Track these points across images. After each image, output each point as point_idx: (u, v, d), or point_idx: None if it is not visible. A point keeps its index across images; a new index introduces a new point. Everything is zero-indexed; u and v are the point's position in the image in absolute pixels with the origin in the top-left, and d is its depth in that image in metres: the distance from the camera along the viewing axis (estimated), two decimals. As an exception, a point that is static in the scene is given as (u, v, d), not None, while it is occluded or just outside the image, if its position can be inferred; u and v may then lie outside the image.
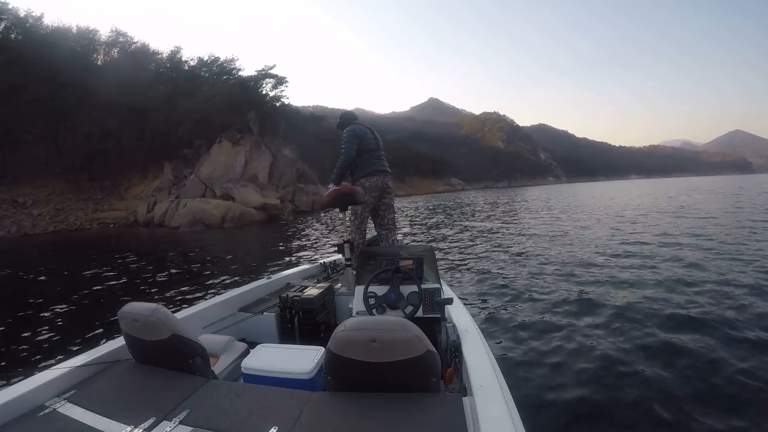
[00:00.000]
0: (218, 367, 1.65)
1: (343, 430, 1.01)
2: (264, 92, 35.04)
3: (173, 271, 7.90)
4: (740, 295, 4.20)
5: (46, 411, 1.19)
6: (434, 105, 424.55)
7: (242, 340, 2.07)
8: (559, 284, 5.10)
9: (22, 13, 31.88)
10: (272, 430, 1.02)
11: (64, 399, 1.24)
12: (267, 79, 35.12)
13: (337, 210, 2.88)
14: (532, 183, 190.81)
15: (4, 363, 3.55)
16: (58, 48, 31.23)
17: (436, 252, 2.34)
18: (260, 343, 1.62)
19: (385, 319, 1.22)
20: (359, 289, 2.13)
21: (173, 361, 1.38)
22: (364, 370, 1.13)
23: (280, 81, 35.27)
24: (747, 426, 2.12)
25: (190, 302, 4.83)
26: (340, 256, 3.05)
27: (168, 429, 1.06)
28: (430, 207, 27.82)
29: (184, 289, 6.15)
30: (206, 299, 2.42)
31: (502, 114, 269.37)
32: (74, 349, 3.73)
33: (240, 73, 35.77)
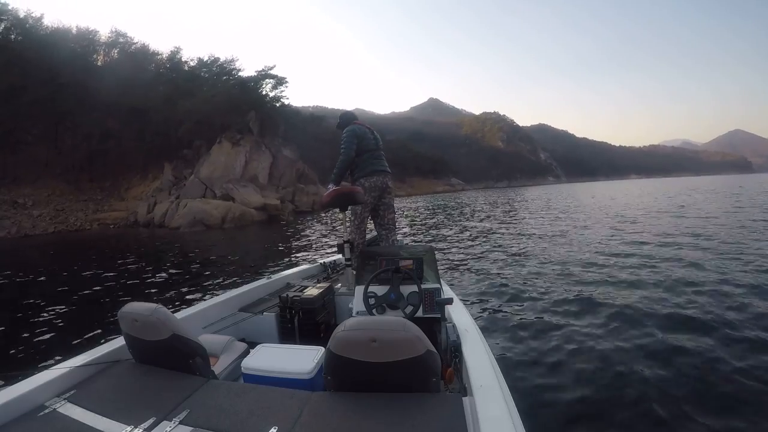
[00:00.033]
0: (218, 367, 1.65)
1: (343, 430, 1.01)
2: (264, 92, 35.08)
3: (173, 271, 7.90)
4: (739, 295, 4.19)
5: (46, 411, 1.19)
6: (434, 105, 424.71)
7: (242, 340, 2.07)
8: (558, 284, 5.10)
9: (21, 14, 31.97)
10: (272, 430, 1.02)
11: (64, 399, 1.24)
12: (267, 80, 35.17)
13: (337, 210, 2.88)
14: (532, 183, 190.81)
15: (4, 363, 3.55)
16: (57, 49, 31.25)
17: (436, 252, 2.34)
18: (260, 343, 1.62)
19: (385, 319, 1.22)
20: (359, 289, 2.12)
21: (173, 361, 1.38)
22: (364, 370, 1.12)
23: (280, 81, 35.32)
24: (746, 426, 2.12)
25: (190, 302, 4.83)
26: (340, 256, 3.05)
27: (168, 429, 1.06)
28: (430, 207, 27.83)
29: (184, 289, 6.15)
30: (206, 299, 2.42)
31: (502, 114, 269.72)
32: (74, 349, 3.72)
33: (240, 73, 35.86)
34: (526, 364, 2.90)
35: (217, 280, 6.66)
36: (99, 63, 36.59)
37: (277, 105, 35.74)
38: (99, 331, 4.22)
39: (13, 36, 30.72)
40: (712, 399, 2.36)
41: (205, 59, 37.74)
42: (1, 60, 27.16)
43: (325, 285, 2.53)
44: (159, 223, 21.18)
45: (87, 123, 30.68)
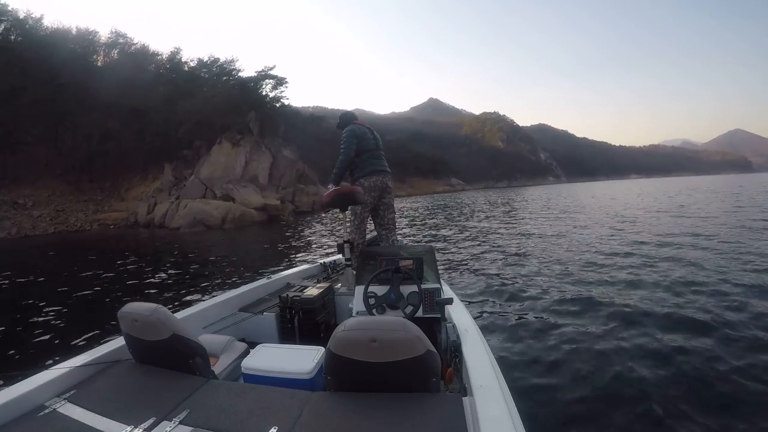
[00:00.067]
0: (218, 367, 1.65)
1: (343, 430, 1.01)
2: (264, 93, 35.11)
3: (173, 271, 7.90)
4: (739, 294, 4.19)
5: (46, 411, 1.19)
6: (434, 105, 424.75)
7: (242, 340, 2.07)
8: (559, 284, 5.10)
9: (21, 15, 31.97)
10: (272, 430, 1.02)
11: (64, 399, 1.24)
12: (267, 80, 35.21)
13: (338, 210, 2.88)
14: (532, 183, 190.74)
15: (4, 363, 3.55)
16: (57, 49, 31.28)
17: (436, 252, 2.34)
18: (260, 343, 1.62)
19: (385, 319, 1.22)
20: (359, 289, 2.12)
21: (173, 361, 1.38)
22: (364, 370, 1.12)
23: (279, 82, 35.35)
24: (746, 427, 2.12)
25: (190, 302, 4.83)
26: (340, 256, 3.05)
27: (168, 429, 1.06)
28: (430, 207, 27.83)
29: (184, 289, 6.15)
30: (206, 299, 2.42)
31: (502, 114, 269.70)
32: (74, 349, 3.73)
33: (240, 73, 35.87)
34: (526, 364, 2.90)
35: (217, 281, 6.66)
36: (99, 63, 36.62)
37: (277, 105, 35.77)
38: (99, 331, 4.22)
39: (13, 37, 30.75)
40: (711, 399, 2.36)
41: (205, 60, 37.82)
42: (1, 60, 27.18)
43: (325, 285, 2.52)
44: (159, 223, 21.18)
45: (87, 123, 30.70)
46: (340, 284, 2.87)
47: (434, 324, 1.90)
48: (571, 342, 3.22)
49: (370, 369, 1.12)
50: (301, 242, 11.95)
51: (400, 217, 18.30)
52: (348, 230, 3.01)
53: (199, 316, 2.16)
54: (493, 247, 8.55)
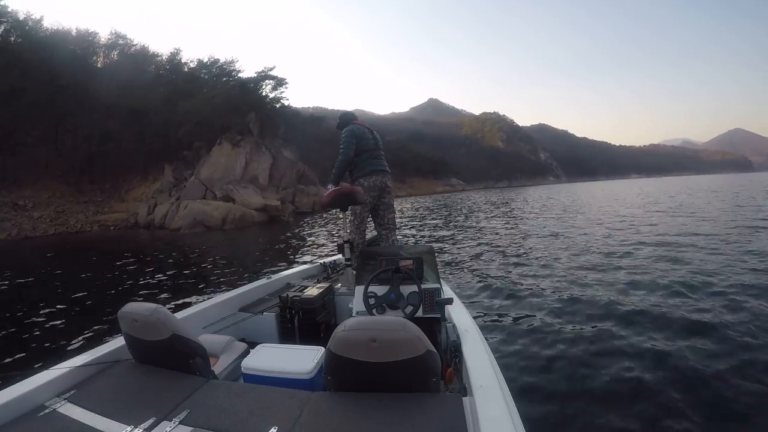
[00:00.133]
0: (218, 367, 1.65)
1: (343, 430, 1.01)
2: (264, 94, 35.08)
3: (173, 272, 7.90)
4: (739, 295, 4.19)
5: (46, 411, 1.19)
6: (434, 105, 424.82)
7: (242, 340, 2.07)
8: (559, 284, 5.10)
9: (21, 16, 31.98)
10: (272, 430, 1.02)
11: (64, 399, 1.24)
12: (267, 81, 35.18)
13: (338, 210, 2.88)
14: (533, 183, 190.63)
15: (4, 363, 3.55)
16: (57, 50, 31.28)
17: (436, 252, 2.34)
18: (260, 343, 1.62)
19: (385, 319, 1.22)
20: (359, 289, 2.12)
21: (173, 361, 1.38)
22: (364, 370, 1.12)
23: (279, 82, 35.34)
24: (745, 428, 2.13)
25: (190, 302, 4.83)
26: (340, 256, 3.05)
27: (168, 429, 1.06)
28: (430, 207, 27.83)
29: (184, 290, 6.16)
30: (206, 299, 2.42)
31: (501, 114, 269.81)
32: (74, 349, 3.74)
33: (240, 74, 35.86)
34: (526, 364, 2.89)
35: (217, 281, 6.67)
36: (99, 65, 36.61)
37: (277, 106, 35.75)
38: (99, 331, 4.23)
39: (12, 38, 30.76)
40: (711, 400, 2.35)
41: (205, 60, 37.82)
42: (1, 62, 27.19)
43: (325, 285, 2.52)
44: (159, 224, 21.18)
45: (87, 124, 30.70)
46: (340, 284, 2.87)
47: (434, 324, 1.90)
48: (571, 342, 3.22)
49: (370, 369, 1.12)
50: (301, 242, 11.96)
51: (400, 217, 18.30)
52: (348, 230, 3.01)
53: (199, 316, 2.16)
54: (493, 247, 8.55)
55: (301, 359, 1.45)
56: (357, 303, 2.11)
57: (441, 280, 2.18)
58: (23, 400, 1.22)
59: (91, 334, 4.16)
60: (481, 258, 7.33)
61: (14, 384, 1.28)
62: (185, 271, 7.96)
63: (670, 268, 5.58)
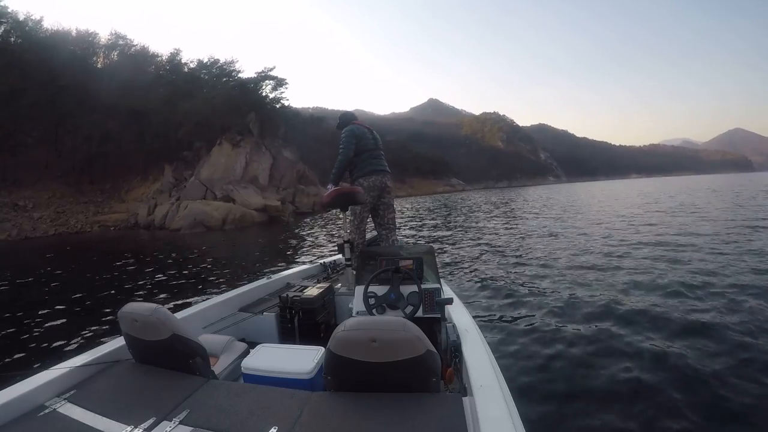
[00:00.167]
0: (218, 367, 1.65)
1: (343, 430, 1.01)
2: (264, 94, 35.12)
3: (173, 272, 7.90)
4: (739, 295, 4.18)
5: (46, 411, 1.19)
6: (434, 105, 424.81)
7: (242, 340, 2.07)
8: (559, 284, 5.10)
9: (21, 17, 32.01)
10: (272, 430, 1.02)
11: (64, 399, 1.24)
12: (267, 81, 35.22)
13: (338, 210, 2.88)
14: (533, 183, 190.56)
15: (4, 363, 3.55)
16: (57, 51, 31.32)
17: (436, 252, 2.34)
18: (260, 343, 1.62)
19: (385, 319, 1.22)
20: (359, 289, 2.12)
21: (173, 361, 1.38)
22: (364, 370, 1.12)
23: (279, 82, 35.38)
24: (745, 428, 2.13)
25: (190, 302, 4.83)
26: (340, 256, 3.04)
27: (168, 429, 1.06)
28: (431, 208, 27.83)
29: (184, 290, 6.16)
30: (206, 299, 2.42)
31: (501, 114, 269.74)
32: (74, 349, 3.74)
33: (240, 74, 35.88)
34: (526, 364, 2.89)
35: (218, 281, 6.67)
36: (99, 65, 36.64)
37: (277, 106, 35.78)
38: (99, 331, 4.23)
39: (12, 38, 30.79)
40: (711, 400, 2.35)
41: (205, 61, 37.84)
42: (1, 62, 27.20)
43: (325, 285, 2.52)
44: (159, 224, 21.17)
45: (87, 125, 30.71)
46: (340, 284, 2.87)
47: (434, 324, 1.90)
48: (570, 342, 3.22)
49: (370, 369, 1.12)
50: (301, 242, 11.96)
51: (400, 217, 18.30)
52: (348, 230, 3.01)
53: (199, 316, 2.16)
54: (493, 247, 8.55)
55: (301, 359, 1.45)
56: (357, 303, 2.11)
57: (441, 280, 2.18)
58: (23, 400, 1.22)
59: (91, 334, 4.16)
60: (481, 258, 7.33)
61: (14, 384, 1.28)
62: (185, 272, 7.96)
63: (670, 268, 5.58)
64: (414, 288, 2.02)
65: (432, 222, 16.50)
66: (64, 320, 4.83)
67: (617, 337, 3.27)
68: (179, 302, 5.28)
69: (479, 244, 9.06)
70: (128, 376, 1.39)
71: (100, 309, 5.28)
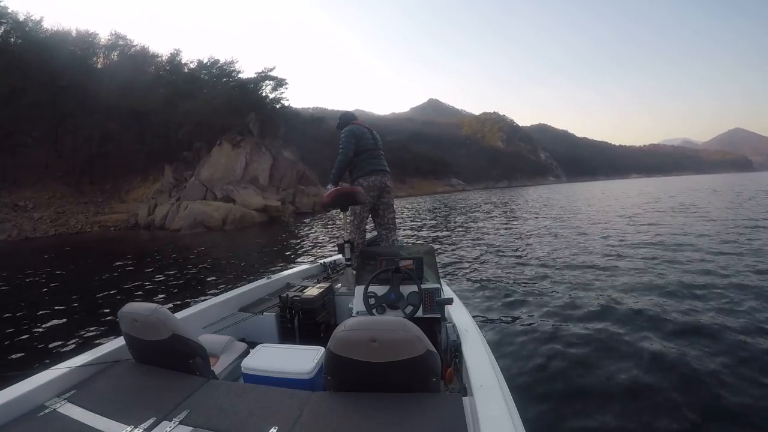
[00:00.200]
0: (218, 367, 1.65)
1: (343, 430, 1.01)
2: (264, 94, 35.16)
3: (174, 272, 7.90)
4: (739, 296, 4.17)
5: (46, 411, 1.19)
6: (434, 106, 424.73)
7: (242, 340, 2.07)
8: (559, 284, 5.10)
9: (21, 17, 32.04)
10: (272, 430, 1.02)
11: (64, 399, 1.24)
12: (267, 81, 35.26)
13: (338, 210, 2.88)
14: (533, 183, 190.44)
15: (4, 363, 3.55)
16: (57, 51, 31.36)
17: (436, 252, 2.34)
18: (260, 343, 1.62)
19: (385, 319, 1.22)
20: (359, 289, 2.12)
21: (173, 361, 1.38)
22: (364, 370, 1.12)
23: (279, 83, 35.42)
24: (744, 429, 2.12)
25: (190, 302, 4.83)
26: (340, 256, 3.04)
27: (168, 429, 1.06)
28: (431, 208, 27.83)
29: (184, 290, 6.16)
30: (206, 299, 2.42)
31: (501, 114, 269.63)
32: (74, 349, 3.74)
33: (240, 75, 35.95)
34: (526, 364, 2.89)
35: (218, 281, 6.67)
36: (99, 65, 36.70)
37: (277, 106, 35.80)
38: (99, 331, 4.23)
39: (12, 39, 30.83)
40: (710, 401, 2.35)
41: (205, 61, 37.89)
42: (1, 63, 27.23)
43: (325, 285, 2.52)
44: (159, 225, 21.18)
45: (87, 125, 30.73)
46: (340, 284, 2.87)
47: (434, 324, 1.90)
48: (570, 342, 3.22)
49: (370, 369, 1.12)
50: (302, 243, 11.96)
51: (400, 218, 18.30)
52: (348, 230, 3.01)
53: (199, 316, 2.16)
54: (493, 247, 8.55)
55: (301, 359, 1.45)
56: (357, 303, 2.11)
57: (441, 280, 2.18)
58: (23, 400, 1.22)
59: (91, 334, 4.17)
60: (481, 258, 7.33)
61: (14, 384, 1.28)
62: (185, 272, 7.96)
63: (669, 268, 5.57)
64: (414, 288, 2.02)
65: (432, 222, 16.50)
66: (64, 320, 4.83)
67: (617, 337, 3.27)
68: (179, 302, 5.28)
69: (479, 244, 9.05)
70: (128, 376, 1.39)
71: (100, 309, 5.29)
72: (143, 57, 38.84)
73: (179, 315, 2.01)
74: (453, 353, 1.52)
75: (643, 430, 2.13)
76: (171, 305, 4.83)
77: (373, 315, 1.98)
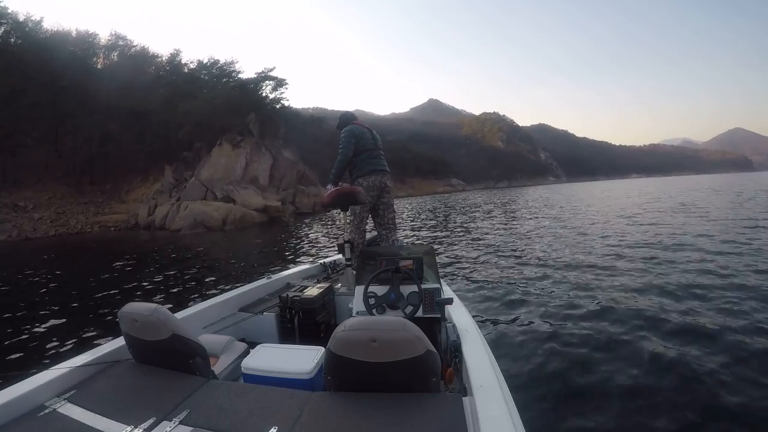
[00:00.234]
0: (218, 367, 1.65)
1: (343, 430, 1.01)
2: (264, 94, 35.18)
3: (174, 272, 7.91)
4: (740, 296, 4.16)
5: (46, 411, 1.19)
6: (434, 106, 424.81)
7: (242, 340, 2.07)
8: (559, 284, 5.09)
9: (21, 17, 32.07)
10: (272, 430, 1.02)
11: (64, 399, 1.24)
12: (267, 81, 35.28)
13: (338, 210, 2.88)
14: (533, 183, 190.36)
15: (4, 363, 3.55)
16: (57, 52, 31.39)
17: (436, 252, 2.34)
18: (260, 343, 1.62)
19: (385, 319, 1.22)
20: (359, 289, 2.12)
21: (173, 361, 1.38)
22: (364, 370, 1.12)
23: (279, 83, 35.44)
24: (744, 429, 2.12)
25: (190, 302, 4.83)
26: (340, 256, 3.04)
27: (168, 429, 1.06)
28: (431, 208, 27.83)
29: (184, 290, 6.16)
30: (206, 299, 2.42)
31: (501, 114, 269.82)
32: (74, 349, 3.73)
33: (240, 75, 35.98)
34: (526, 364, 2.89)
35: (218, 281, 6.67)
36: (99, 66, 36.73)
37: (277, 107, 35.82)
38: (99, 331, 4.23)
39: (12, 39, 30.86)
40: (710, 401, 2.34)
41: (205, 61, 37.90)
42: (1, 63, 27.24)
43: (325, 285, 2.52)
44: (160, 225, 21.19)
45: (87, 126, 30.76)
46: (340, 284, 2.87)
47: (434, 324, 1.90)
48: (570, 342, 3.22)
49: (370, 369, 1.12)
50: (301, 243, 11.96)
51: (400, 218, 18.30)
52: (348, 230, 3.01)
53: (199, 316, 2.16)
54: (493, 247, 8.54)
55: (301, 359, 1.45)
56: (357, 303, 2.11)
57: (441, 280, 2.18)
58: (23, 400, 1.22)
59: (91, 334, 4.16)
60: (481, 258, 7.33)
61: (14, 384, 1.28)
62: (185, 272, 7.96)
63: (670, 268, 5.57)
64: (414, 288, 2.02)
65: (432, 222, 16.50)
66: (64, 320, 4.83)
67: (617, 337, 3.27)
68: (179, 302, 5.28)
69: (479, 244, 9.05)
70: (128, 376, 1.39)
71: (100, 309, 5.29)
72: (143, 57, 38.87)
73: (179, 315, 2.02)
74: (453, 353, 1.52)
75: (642, 430, 2.13)
76: (171, 305, 4.83)
77: (373, 315, 1.97)
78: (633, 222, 11.70)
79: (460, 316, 1.92)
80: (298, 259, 8.66)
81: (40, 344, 4.01)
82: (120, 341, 1.56)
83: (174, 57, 39.11)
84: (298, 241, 12.60)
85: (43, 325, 4.61)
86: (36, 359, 3.60)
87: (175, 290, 6.20)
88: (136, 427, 1.07)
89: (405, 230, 13.34)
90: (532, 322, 3.73)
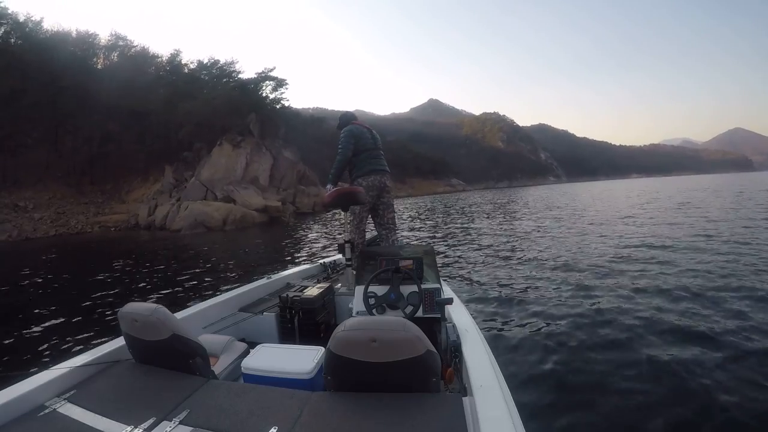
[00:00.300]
0: (218, 367, 1.65)
1: (343, 430, 1.01)
2: (264, 95, 35.18)
3: (174, 272, 7.91)
4: (740, 297, 4.16)
5: (46, 411, 1.19)
6: (434, 106, 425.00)
7: (242, 340, 2.07)
8: (559, 285, 5.09)
9: (21, 18, 32.09)
10: (272, 430, 1.02)
11: (64, 399, 1.24)
12: (267, 82, 35.27)
13: (338, 211, 2.88)
14: (533, 183, 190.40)
15: (4, 363, 3.55)
16: (57, 52, 31.40)
17: (436, 252, 2.34)
18: (260, 343, 1.62)
19: (385, 319, 1.22)
20: (359, 289, 2.12)
21: (173, 361, 1.38)
22: (364, 370, 1.12)
23: (280, 83, 35.43)
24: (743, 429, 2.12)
25: (190, 302, 4.83)
26: (340, 256, 3.04)
27: (168, 429, 1.06)
28: (431, 208, 27.83)
29: (184, 290, 6.16)
30: (206, 299, 2.43)
31: (502, 114, 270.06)
32: (74, 349, 3.74)
33: (240, 75, 35.95)
34: (526, 364, 2.89)
35: (218, 281, 6.67)
36: (99, 66, 36.74)
37: (278, 107, 35.83)
38: (99, 331, 4.23)
39: (13, 39, 30.87)
40: (710, 402, 2.34)
41: (205, 61, 37.89)
42: (1, 63, 27.25)
43: (325, 285, 2.52)
44: (160, 225, 21.21)
45: (87, 126, 30.79)
46: (340, 284, 2.86)
47: (434, 324, 1.89)
48: (570, 342, 3.22)
49: (370, 369, 1.12)
50: (302, 243, 11.96)
51: (400, 218, 18.30)
52: (348, 230, 3.01)
53: (199, 316, 2.16)
54: (494, 247, 8.54)
55: (301, 359, 1.45)
56: (357, 303, 2.10)
57: (441, 280, 2.18)
58: (23, 400, 1.22)
59: (91, 334, 4.16)
60: (481, 258, 7.33)
61: (14, 384, 1.28)
62: (185, 272, 7.96)
63: (670, 268, 5.57)
64: (414, 288, 2.02)
65: (432, 222, 16.50)
66: (64, 320, 4.83)
67: (616, 337, 3.27)
68: (179, 302, 5.28)
69: (479, 245, 9.05)
70: (128, 376, 1.39)
71: (100, 309, 5.29)
72: (143, 57, 38.87)
73: (179, 315, 2.01)
74: (453, 353, 1.52)
75: (642, 429, 2.13)
76: (171, 305, 4.83)
77: (373, 315, 1.97)
78: (633, 222, 11.70)
79: (460, 316, 1.92)
80: (298, 259, 8.66)
81: (40, 344, 4.01)
82: (120, 341, 1.56)
83: (174, 57, 39.15)
84: (298, 241, 12.60)
85: (43, 325, 4.61)
86: (36, 359, 3.61)
87: (175, 290, 6.20)
88: (136, 427, 1.07)
89: (405, 231, 13.34)
90: (532, 322, 3.73)
